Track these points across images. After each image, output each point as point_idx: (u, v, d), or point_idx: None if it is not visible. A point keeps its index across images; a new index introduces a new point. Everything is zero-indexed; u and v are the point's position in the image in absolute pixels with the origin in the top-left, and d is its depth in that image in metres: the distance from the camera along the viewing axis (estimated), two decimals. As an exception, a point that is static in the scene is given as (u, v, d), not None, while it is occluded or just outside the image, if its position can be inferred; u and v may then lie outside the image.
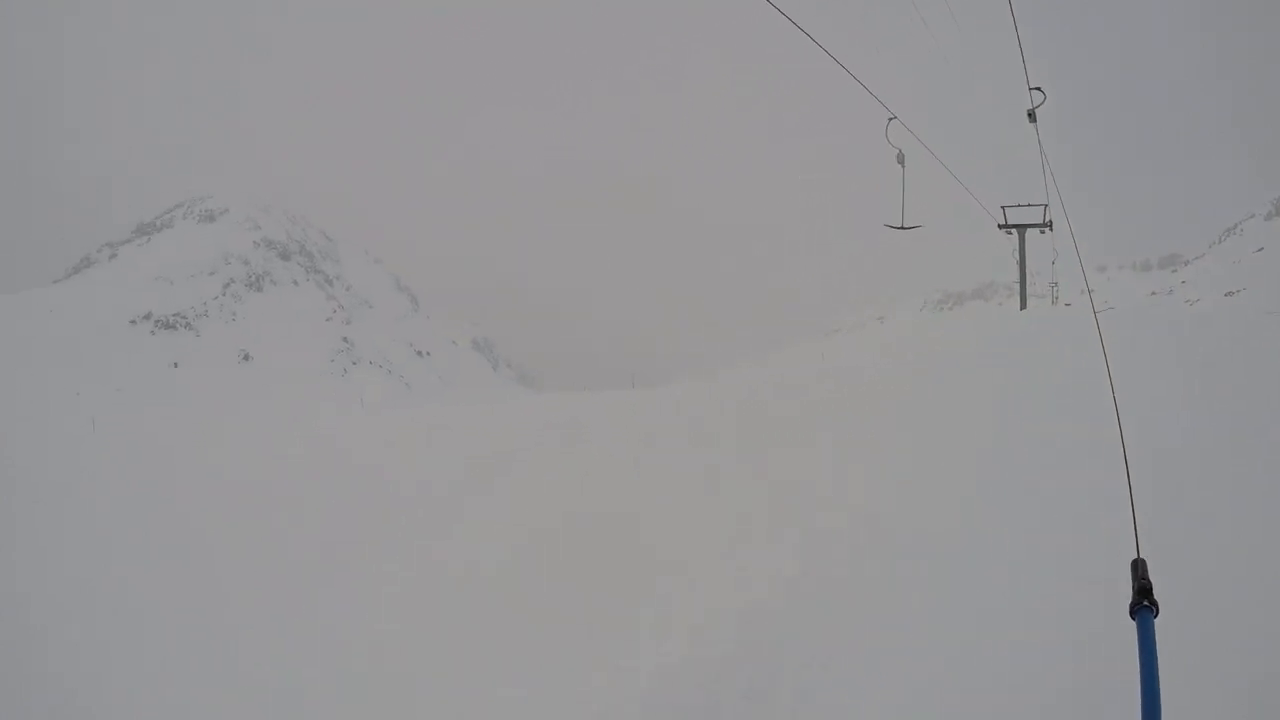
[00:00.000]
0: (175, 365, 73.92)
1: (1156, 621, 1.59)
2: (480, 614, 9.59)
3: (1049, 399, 8.89)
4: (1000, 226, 23.29)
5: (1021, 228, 23.51)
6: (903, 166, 8.47)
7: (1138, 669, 1.46)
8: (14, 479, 18.68)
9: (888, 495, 7.77)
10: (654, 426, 15.43)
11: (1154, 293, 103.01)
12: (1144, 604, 1.62)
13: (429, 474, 16.53)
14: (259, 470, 19.23)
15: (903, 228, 9.58)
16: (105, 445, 27.03)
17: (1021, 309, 23.71)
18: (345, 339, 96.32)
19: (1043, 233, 23.43)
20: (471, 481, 15.09)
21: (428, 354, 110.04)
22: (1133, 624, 1.61)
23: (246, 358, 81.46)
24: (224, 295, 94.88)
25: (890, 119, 7.23)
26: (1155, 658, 1.47)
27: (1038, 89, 9.16)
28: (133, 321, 79.97)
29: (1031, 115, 9.56)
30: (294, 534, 14.13)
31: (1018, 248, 24.11)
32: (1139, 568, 1.76)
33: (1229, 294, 66.14)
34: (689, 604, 7.68)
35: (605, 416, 18.23)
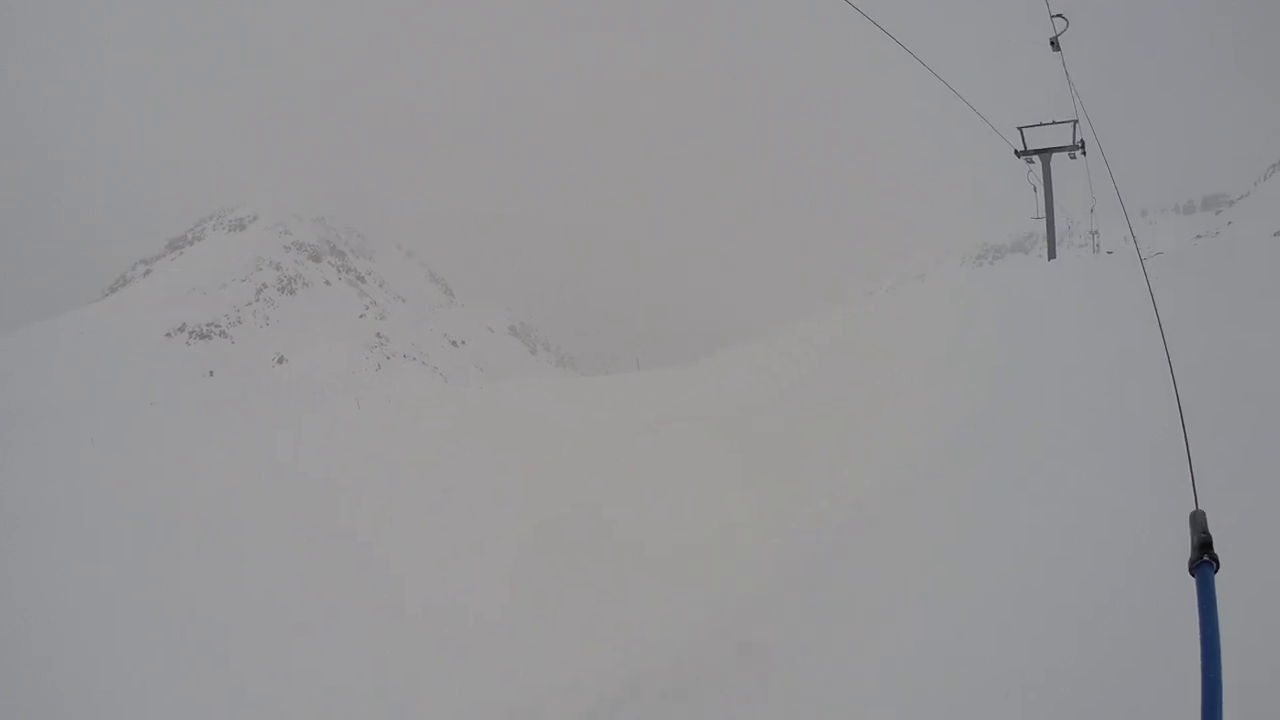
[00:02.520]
0: (211, 374, 74.43)
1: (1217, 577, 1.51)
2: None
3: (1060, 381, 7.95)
4: (1019, 154, 19.37)
5: (1045, 153, 19.57)
6: None
7: (1198, 627, 1.38)
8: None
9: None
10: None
11: (1199, 236, 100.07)
12: (1204, 559, 1.52)
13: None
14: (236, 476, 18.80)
15: None
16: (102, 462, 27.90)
17: (1050, 259, 19.71)
18: (379, 334, 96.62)
19: (1072, 157, 19.61)
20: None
21: (463, 343, 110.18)
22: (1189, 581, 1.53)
23: (281, 360, 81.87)
24: (257, 301, 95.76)
25: None
26: (1216, 615, 1.39)
27: (1059, 16, 9.28)
28: (168, 334, 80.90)
29: (1055, 43, 9.66)
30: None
31: (1041, 179, 19.74)
32: (1198, 519, 1.65)
33: (1277, 233, 63.60)
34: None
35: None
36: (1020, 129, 19.16)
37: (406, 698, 4.67)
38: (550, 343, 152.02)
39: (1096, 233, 31.46)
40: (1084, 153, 19.06)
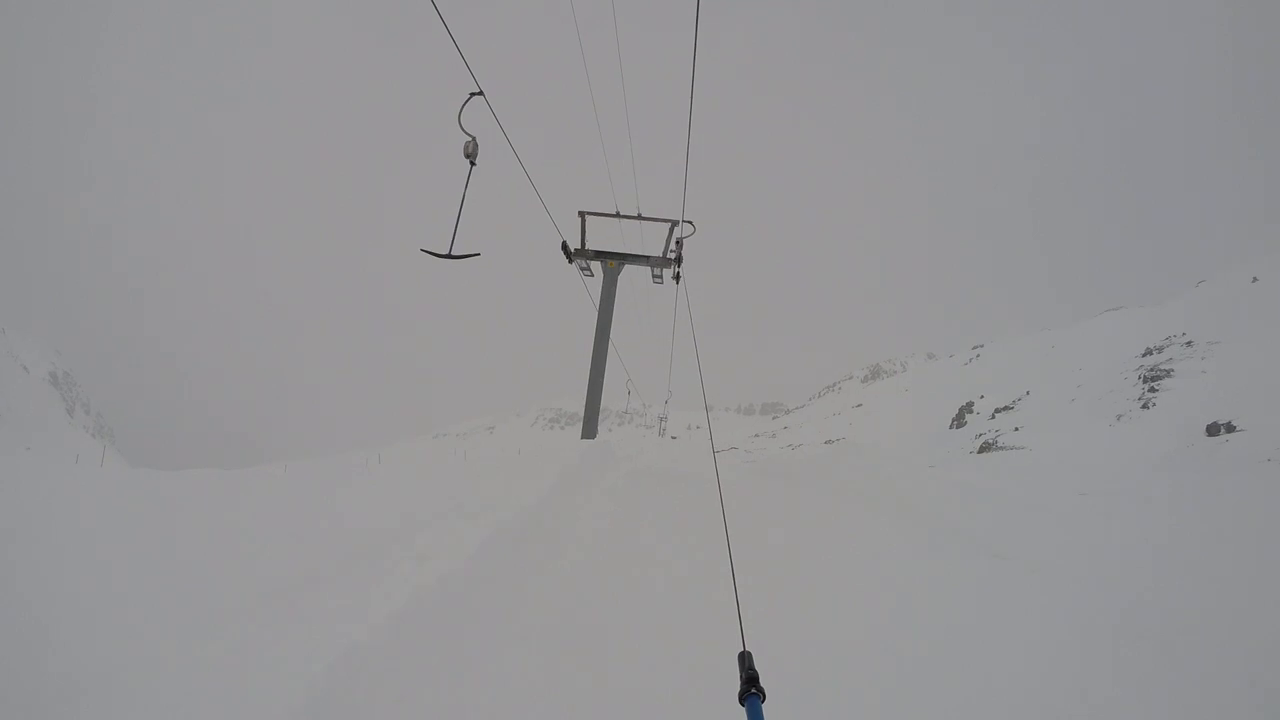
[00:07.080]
0: None
1: (765, 706, 1.66)
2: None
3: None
4: (571, 254, 12.69)
5: (618, 259, 13.02)
6: None
7: None
8: None
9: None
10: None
11: (757, 435, 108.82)
12: (752, 691, 1.72)
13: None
14: None
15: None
16: None
17: (584, 436, 13.53)
18: None
19: (659, 279, 13.31)
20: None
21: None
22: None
23: None
24: None
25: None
26: None
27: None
28: None
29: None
30: None
31: (602, 294, 13.15)
32: (746, 660, 1.85)
33: (829, 441, 69.28)
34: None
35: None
36: (581, 214, 12.64)
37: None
38: (93, 406, 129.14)
39: (665, 419, 33.18)
40: (677, 279, 12.25)
